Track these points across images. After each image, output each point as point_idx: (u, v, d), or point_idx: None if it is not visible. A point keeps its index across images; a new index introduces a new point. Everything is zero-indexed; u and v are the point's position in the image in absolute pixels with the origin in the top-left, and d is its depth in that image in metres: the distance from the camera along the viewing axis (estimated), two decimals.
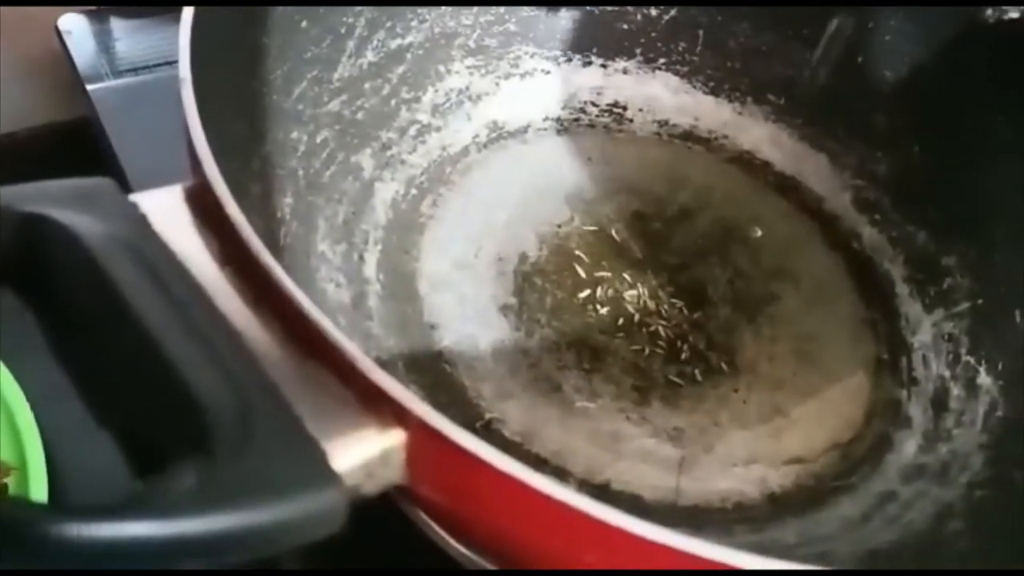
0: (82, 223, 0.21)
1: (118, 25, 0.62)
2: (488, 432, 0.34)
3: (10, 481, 0.33)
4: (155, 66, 0.59)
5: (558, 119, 0.46)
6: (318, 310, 0.21)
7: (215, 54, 0.30)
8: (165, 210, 0.23)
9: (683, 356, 0.38)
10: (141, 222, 0.22)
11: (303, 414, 0.20)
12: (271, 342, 0.21)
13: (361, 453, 0.20)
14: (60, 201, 0.21)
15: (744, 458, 0.35)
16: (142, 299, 0.20)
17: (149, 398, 0.20)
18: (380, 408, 0.21)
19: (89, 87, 0.58)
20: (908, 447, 0.36)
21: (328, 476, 0.19)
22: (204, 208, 0.23)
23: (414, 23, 0.42)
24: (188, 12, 0.29)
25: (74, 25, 0.60)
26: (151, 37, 0.60)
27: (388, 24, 0.41)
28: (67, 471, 0.34)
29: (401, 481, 0.22)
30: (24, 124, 0.67)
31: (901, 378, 0.39)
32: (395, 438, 0.21)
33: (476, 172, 0.44)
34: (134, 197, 0.23)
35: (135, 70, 0.59)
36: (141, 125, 0.56)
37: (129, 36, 0.61)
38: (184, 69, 0.26)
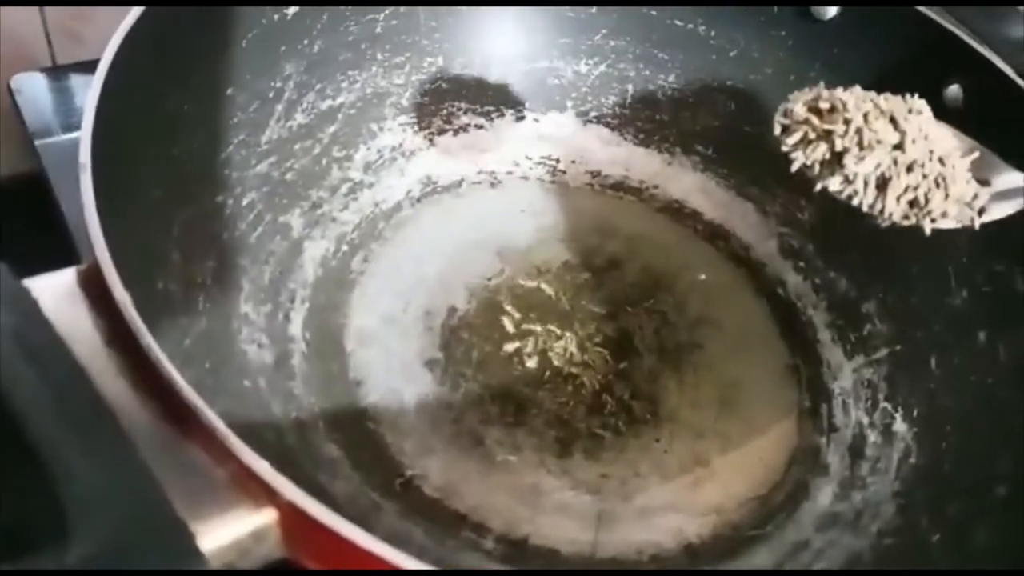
0: None
1: (77, 80, 0.63)
2: (407, 489, 0.35)
3: None
4: None
5: (492, 172, 0.48)
6: (192, 390, 0.22)
7: (131, 123, 0.32)
8: (58, 293, 0.24)
9: (607, 407, 0.39)
10: (31, 307, 0.23)
11: (174, 495, 0.21)
12: (148, 422, 0.22)
13: (231, 532, 0.21)
14: None
15: (662, 509, 0.36)
16: (16, 384, 0.21)
17: (15, 481, 0.20)
18: (251, 488, 0.21)
19: (37, 142, 0.59)
20: (824, 495, 0.37)
21: (194, 557, 0.20)
22: (96, 291, 0.24)
23: (345, 84, 0.44)
24: (97, 85, 0.30)
25: (26, 83, 0.62)
26: None
27: (318, 86, 0.42)
28: None
29: (279, 555, 0.22)
30: None
31: (822, 425, 0.40)
32: (267, 517, 0.21)
33: (409, 227, 0.45)
34: (28, 282, 0.24)
35: None
36: None
37: (87, 91, 0.62)
38: (84, 154, 0.27)
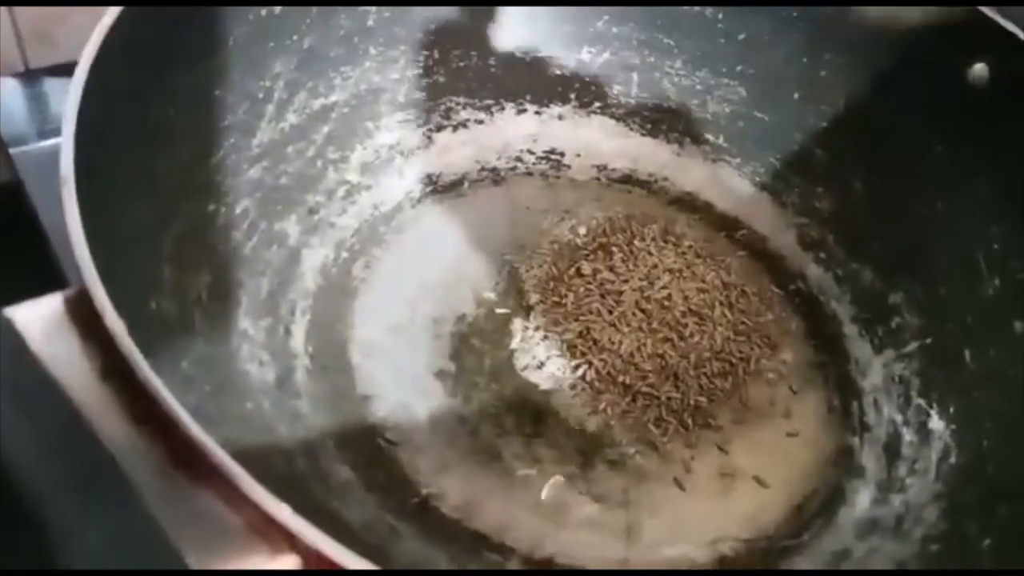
0: None
1: (52, 85, 0.60)
2: (425, 510, 0.33)
3: None
4: None
5: (494, 169, 0.45)
6: (203, 431, 0.19)
7: (113, 133, 0.29)
8: (43, 323, 0.22)
9: (628, 414, 0.37)
10: (15, 340, 0.21)
11: (185, 547, 0.19)
12: (153, 466, 0.20)
13: None
14: None
15: (693, 521, 0.34)
16: (3, 433, 0.18)
17: (8, 542, 0.18)
18: (271, 534, 0.19)
19: (12, 150, 0.56)
20: (861, 499, 0.35)
21: None
22: (85, 318, 0.22)
23: (337, 81, 0.41)
24: (76, 91, 0.28)
25: (1, 89, 0.59)
26: None
27: (309, 84, 0.40)
28: None
29: None
30: None
31: (853, 424, 0.38)
32: (288, 563, 0.19)
33: (410, 230, 0.42)
34: (9, 312, 0.22)
35: None
36: None
37: (63, 96, 0.60)
38: (67, 165, 0.24)
